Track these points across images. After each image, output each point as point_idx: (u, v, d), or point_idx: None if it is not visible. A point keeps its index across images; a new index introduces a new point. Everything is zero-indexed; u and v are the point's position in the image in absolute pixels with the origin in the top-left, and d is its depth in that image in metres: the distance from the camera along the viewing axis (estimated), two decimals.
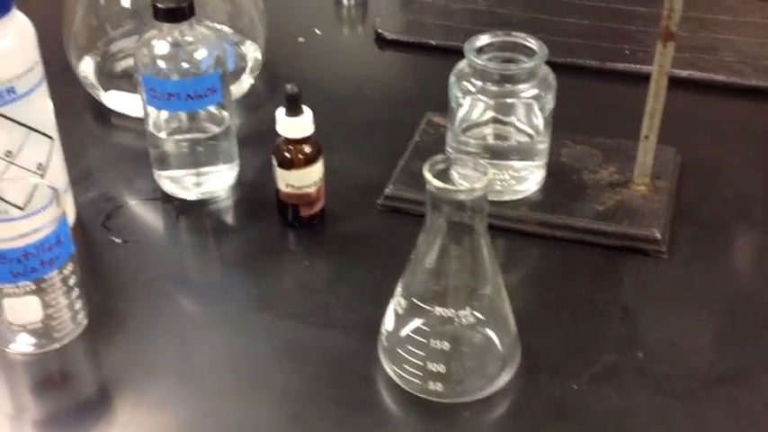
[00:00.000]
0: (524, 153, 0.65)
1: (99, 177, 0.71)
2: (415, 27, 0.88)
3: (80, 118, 0.78)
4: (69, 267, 0.55)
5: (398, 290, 0.53)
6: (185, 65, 0.63)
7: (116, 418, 0.53)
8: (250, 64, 0.80)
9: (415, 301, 0.51)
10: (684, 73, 0.78)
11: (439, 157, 0.48)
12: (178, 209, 0.68)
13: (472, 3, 0.91)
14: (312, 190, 0.64)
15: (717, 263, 0.61)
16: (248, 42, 0.81)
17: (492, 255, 0.51)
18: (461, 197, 0.47)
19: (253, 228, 0.67)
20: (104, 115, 0.78)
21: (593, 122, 0.74)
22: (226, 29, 0.80)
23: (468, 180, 0.49)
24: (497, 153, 0.65)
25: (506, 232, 0.64)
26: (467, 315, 0.51)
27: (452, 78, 0.64)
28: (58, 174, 0.63)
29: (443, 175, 0.49)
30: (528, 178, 0.66)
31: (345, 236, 0.65)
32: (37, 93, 0.59)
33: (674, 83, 0.78)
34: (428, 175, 0.47)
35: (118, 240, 0.65)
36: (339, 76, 0.84)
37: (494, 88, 0.62)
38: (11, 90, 0.57)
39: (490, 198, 0.65)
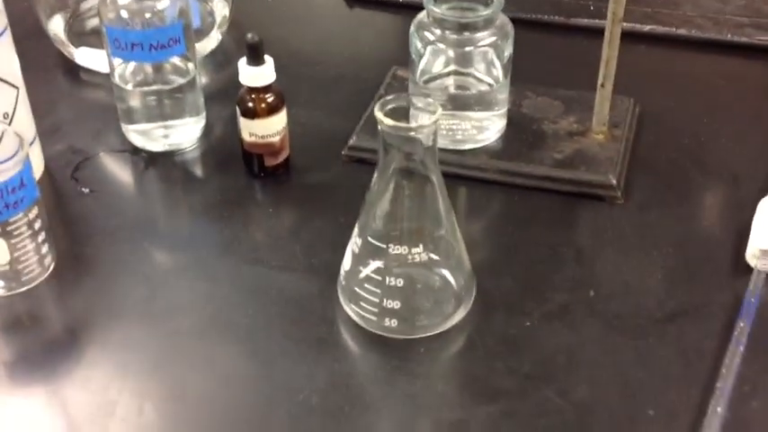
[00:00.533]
0: (485, 102, 0.66)
1: (68, 130, 0.72)
2: None
3: (50, 74, 0.79)
4: (34, 211, 0.56)
5: (355, 230, 0.54)
6: (148, 15, 0.63)
7: (83, 357, 0.54)
8: (218, 20, 0.81)
9: (370, 240, 0.53)
10: (646, 27, 0.80)
11: (390, 97, 0.50)
12: (146, 160, 0.69)
13: None
14: (276, 139, 0.65)
15: (670, 207, 0.63)
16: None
17: (445, 194, 0.52)
18: (411, 134, 0.49)
19: (219, 178, 0.68)
20: (74, 72, 0.79)
21: (556, 76, 0.75)
22: None
23: (419, 119, 0.50)
24: (459, 103, 0.66)
25: (467, 180, 0.66)
26: (420, 253, 0.52)
27: (412, 29, 0.65)
28: (24, 124, 0.64)
29: (400, 118, 0.50)
30: (489, 128, 0.67)
31: (310, 185, 0.67)
32: (0, 42, 0.60)
33: (637, 37, 0.80)
34: (379, 115, 0.49)
35: (86, 190, 0.66)
36: (308, 33, 0.85)
37: (453, 37, 0.63)
38: None
39: (453, 147, 0.67)
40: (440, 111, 0.48)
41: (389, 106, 0.49)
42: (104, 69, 0.75)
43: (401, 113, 0.51)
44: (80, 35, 0.80)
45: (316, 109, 0.74)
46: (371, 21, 0.88)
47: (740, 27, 0.79)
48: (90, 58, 0.78)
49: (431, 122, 0.48)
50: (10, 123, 0.61)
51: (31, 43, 0.80)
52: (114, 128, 0.71)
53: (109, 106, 0.71)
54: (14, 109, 0.62)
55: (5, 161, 0.54)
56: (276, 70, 0.64)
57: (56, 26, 0.80)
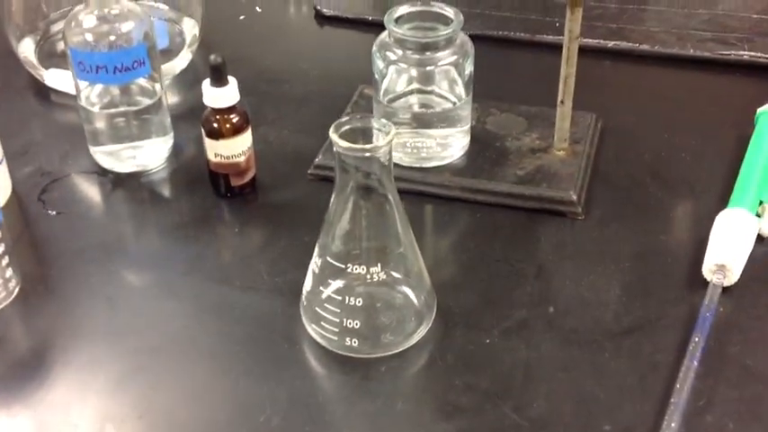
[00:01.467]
0: (448, 120, 0.67)
1: (37, 152, 0.72)
2: (354, 3, 0.90)
3: (20, 96, 0.79)
4: None
5: (315, 250, 0.55)
6: (112, 38, 0.64)
7: (46, 378, 0.54)
8: (188, 40, 0.81)
9: (329, 260, 0.53)
10: (610, 43, 0.81)
11: (344, 118, 0.50)
12: (113, 181, 0.69)
13: None
14: (241, 159, 0.66)
15: (629, 222, 0.64)
16: (186, 18, 0.82)
17: (402, 212, 0.53)
18: (366, 155, 0.49)
19: (186, 198, 0.68)
20: (44, 94, 0.79)
21: (522, 92, 0.76)
22: (161, 6, 0.82)
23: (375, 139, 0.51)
24: (422, 121, 0.67)
25: (432, 197, 0.66)
26: (379, 272, 0.53)
27: (374, 49, 0.66)
28: None
29: (359, 137, 0.51)
30: (453, 145, 0.68)
31: (276, 204, 0.67)
32: None
33: (601, 53, 0.81)
34: (334, 136, 0.49)
35: (52, 212, 0.66)
36: (278, 51, 0.86)
37: (414, 56, 0.64)
38: None
39: (417, 165, 0.68)
40: (393, 131, 0.49)
41: (345, 127, 0.50)
42: (74, 91, 0.76)
43: (358, 133, 0.51)
44: (50, 57, 0.80)
45: (283, 127, 0.75)
46: (341, 39, 0.88)
47: (703, 42, 0.80)
48: (60, 80, 0.78)
49: (384, 143, 0.49)
50: None
51: (0, 65, 0.81)
52: (83, 149, 0.71)
53: (78, 128, 0.71)
54: None
55: None
56: (245, 89, 0.65)
57: (26, 48, 0.80)
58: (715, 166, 0.68)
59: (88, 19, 0.64)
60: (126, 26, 0.64)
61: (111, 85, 0.67)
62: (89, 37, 0.64)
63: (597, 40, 0.80)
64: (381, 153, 0.50)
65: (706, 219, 0.62)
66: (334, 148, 0.50)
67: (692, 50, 0.79)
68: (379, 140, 0.50)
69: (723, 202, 0.63)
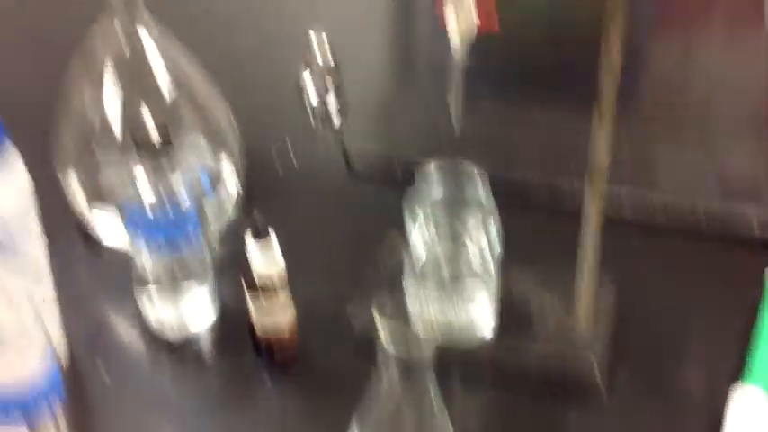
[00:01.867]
0: (476, 285, 0.70)
1: (86, 304, 0.76)
2: (383, 151, 0.94)
3: (69, 240, 0.82)
4: (60, 412, 0.59)
5: (353, 427, 0.57)
6: (164, 193, 0.68)
7: None
8: (231, 195, 0.84)
9: None
10: (628, 212, 0.84)
11: (386, 300, 0.53)
12: (161, 342, 0.73)
13: (435, 135, 0.95)
14: (284, 330, 0.70)
15: (653, 403, 0.67)
16: (224, 163, 0.84)
17: (438, 398, 0.55)
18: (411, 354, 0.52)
19: (230, 364, 0.72)
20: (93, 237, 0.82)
21: (544, 258, 0.78)
22: (202, 145, 0.83)
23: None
24: (451, 285, 0.70)
25: (455, 377, 0.69)
26: None
27: (404, 208, 0.70)
28: (48, 311, 0.67)
29: (399, 314, 0.54)
30: (480, 314, 0.71)
31: (318, 372, 0.71)
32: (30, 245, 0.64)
33: (618, 222, 0.82)
34: (379, 327, 0.52)
35: (104, 375, 0.70)
36: (310, 203, 0.88)
37: (443, 219, 0.69)
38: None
39: (445, 340, 0.69)
40: (436, 327, 0.52)
41: (386, 308, 0.52)
42: (120, 243, 0.78)
43: (400, 310, 0.54)
44: (99, 202, 0.81)
45: (320, 283, 0.76)
46: (372, 192, 0.90)
47: (714, 213, 0.83)
48: (108, 227, 0.80)
49: (429, 342, 0.52)
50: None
51: (49, 207, 0.82)
52: (131, 299, 0.74)
53: (127, 274, 0.74)
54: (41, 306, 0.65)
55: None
56: (284, 246, 0.68)
57: (74, 191, 0.81)
58: (731, 338, 0.71)
59: (140, 174, 0.68)
60: (177, 182, 0.68)
61: (160, 238, 0.70)
62: (141, 192, 0.68)
63: (611, 209, 0.83)
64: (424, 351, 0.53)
65: (724, 397, 0.65)
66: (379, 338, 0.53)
67: (704, 224, 0.83)
68: (421, 334, 0.53)
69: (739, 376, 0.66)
